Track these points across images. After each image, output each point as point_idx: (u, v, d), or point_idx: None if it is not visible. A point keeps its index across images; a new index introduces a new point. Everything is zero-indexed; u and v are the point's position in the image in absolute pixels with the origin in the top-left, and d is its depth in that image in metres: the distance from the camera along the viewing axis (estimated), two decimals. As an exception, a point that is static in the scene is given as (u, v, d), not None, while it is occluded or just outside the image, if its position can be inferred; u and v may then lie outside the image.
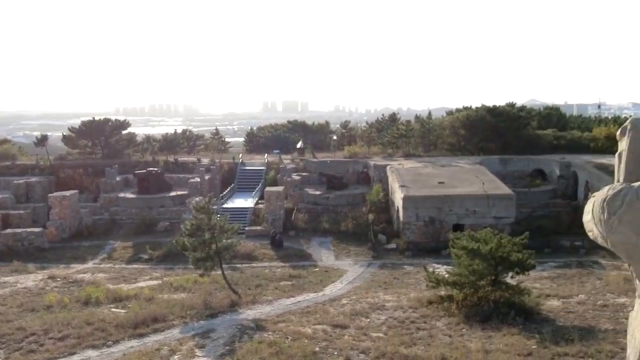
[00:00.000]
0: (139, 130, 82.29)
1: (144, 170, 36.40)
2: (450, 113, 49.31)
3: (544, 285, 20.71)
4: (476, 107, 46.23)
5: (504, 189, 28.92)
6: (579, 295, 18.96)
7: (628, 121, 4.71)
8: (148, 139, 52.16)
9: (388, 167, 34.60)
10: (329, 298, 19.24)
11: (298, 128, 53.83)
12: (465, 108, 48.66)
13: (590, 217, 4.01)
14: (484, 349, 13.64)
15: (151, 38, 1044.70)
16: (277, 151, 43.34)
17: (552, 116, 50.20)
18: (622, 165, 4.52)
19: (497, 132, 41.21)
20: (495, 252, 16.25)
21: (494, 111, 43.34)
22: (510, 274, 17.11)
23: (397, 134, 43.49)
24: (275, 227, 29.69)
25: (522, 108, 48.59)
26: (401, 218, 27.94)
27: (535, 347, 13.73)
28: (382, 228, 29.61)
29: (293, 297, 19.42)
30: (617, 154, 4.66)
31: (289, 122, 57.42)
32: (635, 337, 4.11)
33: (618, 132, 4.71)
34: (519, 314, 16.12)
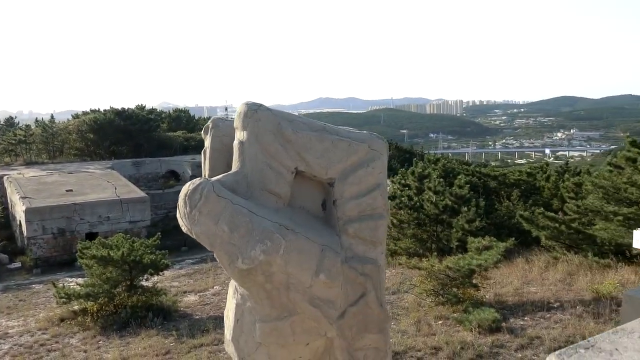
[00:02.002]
0: None
1: None
2: (76, 116, 46.84)
3: (181, 282, 21.28)
4: (105, 110, 44.88)
5: (138, 192, 28.75)
6: (214, 287, 20.05)
7: (210, 120, 5.01)
8: None
9: (5, 177, 30.99)
10: None
11: None
12: (93, 111, 46.76)
13: (179, 213, 4.11)
14: (122, 356, 13.29)
15: None
16: None
17: (182, 118, 52.01)
18: (207, 162, 4.78)
19: (128, 135, 40.85)
20: (128, 257, 15.98)
21: (122, 114, 42.79)
22: (145, 276, 17.05)
23: (15, 140, 39.34)
24: None
25: (152, 110, 49.15)
26: (25, 233, 25.32)
27: (173, 344, 13.98)
28: (2, 246, 26.38)
29: None
30: (202, 151, 4.92)
31: None
32: (229, 317, 4.38)
33: (202, 131, 4.97)
34: (157, 315, 16.18)
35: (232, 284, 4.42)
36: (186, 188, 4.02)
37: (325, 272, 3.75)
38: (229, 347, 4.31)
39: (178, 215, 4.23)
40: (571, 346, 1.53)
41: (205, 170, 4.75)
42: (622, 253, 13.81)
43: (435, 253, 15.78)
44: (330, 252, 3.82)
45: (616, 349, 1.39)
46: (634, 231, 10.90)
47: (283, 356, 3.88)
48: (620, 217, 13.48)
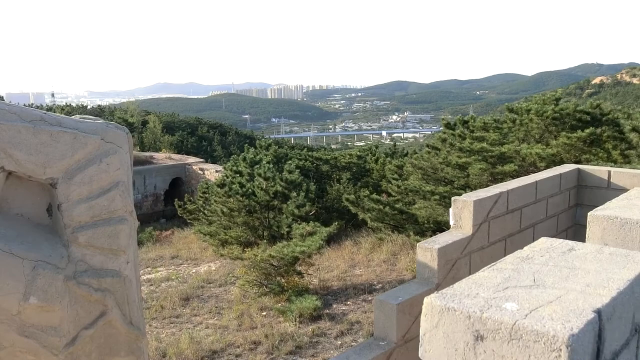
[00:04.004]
0: None
1: None
2: None
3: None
4: None
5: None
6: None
7: None
8: None
9: None
10: None
11: None
12: None
13: None
14: None
15: None
16: None
17: (-3, 106, 47.18)
18: None
19: None
20: None
21: None
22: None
23: None
24: None
25: (-41, 98, 43.97)
26: None
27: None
28: None
29: None
30: None
31: None
32: None
33: None
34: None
35: None
36: None
37: (39, 293, 3.06)
38: None
39: None
40: None
41: None
42: (441, 230, 14.41)
43: (266, 240, 15.48)
44: (45, 268, 3.12)
45: None
46: (450, 209, 11.33)
47: (-4, 400, 3.14)
48: (437, 196, 14.02)
